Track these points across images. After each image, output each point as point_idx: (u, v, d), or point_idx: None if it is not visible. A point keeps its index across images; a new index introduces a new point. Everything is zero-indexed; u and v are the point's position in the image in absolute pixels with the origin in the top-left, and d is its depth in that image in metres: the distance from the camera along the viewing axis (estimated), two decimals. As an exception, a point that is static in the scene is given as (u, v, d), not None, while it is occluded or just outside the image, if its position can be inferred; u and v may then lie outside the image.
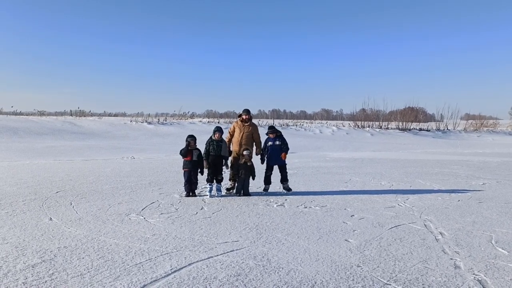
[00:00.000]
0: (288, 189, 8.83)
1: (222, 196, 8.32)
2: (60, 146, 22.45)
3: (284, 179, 8.96)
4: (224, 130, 8.71)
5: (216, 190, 8.40)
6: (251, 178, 8.66)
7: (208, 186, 8.36)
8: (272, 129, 9.12)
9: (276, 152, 8.92)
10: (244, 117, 8.96)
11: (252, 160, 8.70)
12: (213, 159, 8.29)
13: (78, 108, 46.04)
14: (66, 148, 21.35)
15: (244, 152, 8.54)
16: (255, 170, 8.76)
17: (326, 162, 16.09)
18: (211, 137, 8.40)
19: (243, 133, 8.82)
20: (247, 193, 8.51)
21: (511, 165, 15.24)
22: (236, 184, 8.65)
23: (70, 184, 9.39)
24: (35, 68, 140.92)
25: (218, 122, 41.83)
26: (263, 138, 9.18)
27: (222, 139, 8.48)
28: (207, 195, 8.21)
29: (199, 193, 8.46)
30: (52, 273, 3.91)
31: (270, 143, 8.97)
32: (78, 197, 7.93)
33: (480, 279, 3.94)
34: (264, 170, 9.09)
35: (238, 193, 8.53)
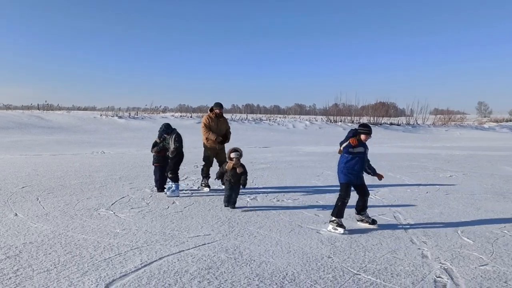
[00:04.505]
0: (373, 222, 5.70)
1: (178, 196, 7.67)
2: (27, 141, 21.78)
3: (365, 206, 5.72)
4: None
5: (176, 188, 7.75)
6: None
7: (173, 185, 7.70)
8: (367, 128, 5.61)
9: (363, 163, 5.61)
10: (217, 111, 8.53)
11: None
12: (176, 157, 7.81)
13: (46, 101, 44.65)
14: (33, 143, 20.73)
15: (232, 155, 6.70)
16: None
17: (299, 156, 16.20)
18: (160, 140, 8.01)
19: (220, 130, 8.48)
20: (233, 205, 6.69)
21: (477, 158, 15.72)
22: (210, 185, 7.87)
23: (37, 179, 9.12)
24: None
25: (191, 117, 41.58)
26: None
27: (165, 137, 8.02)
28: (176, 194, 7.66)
29: (171, 188, 8.33)
30: (17, 269, 3.79)
31: (359, 149, 5.53)
32: (45, 192, 7.71)
33: (446, 267, 4.05)
34: (338, 195, 5.55)
35: (226, 204, 6.76)
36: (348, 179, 5.49)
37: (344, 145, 5.48)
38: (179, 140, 7.80)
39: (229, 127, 8.81)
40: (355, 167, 5.48)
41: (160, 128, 7.96)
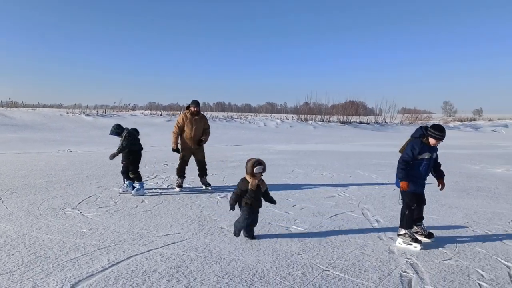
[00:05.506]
0: (430, 235, 4.94)
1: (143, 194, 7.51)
2: (-11, 139, 21.00)
3: (421, 216, 4.99)
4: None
5: (141, 187, 7.57)
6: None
7: (138, 183, 7.53)
8: (441, 133, 4.73)
9: (427, 170, 4.93)
10: (193, 109, 8.28)
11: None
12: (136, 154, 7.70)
13: (10, 99, 43.16)
14: (-4, 141, 20.00)
15: (256, 169, 4.95)
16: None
17: (270, 154, 16.25)
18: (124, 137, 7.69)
19: (195, 127, 8.22)
20: (251, 235, 4.91)
21: (442, 156, 16.17)
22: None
23: (0, 179, 8.82)
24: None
25: (161, 115, 41.16)
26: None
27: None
28: (144, 192, 7.52)
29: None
30: (-23, 272, 3.65)
31: (424, 155, 4.84)
32: (8, 191, 7.45)
33: (411, 262, 4.16)
34: (403, 202, 4.88)
35: (247, 234, 4.94)
36: (411, 188, 4.74)
37: (399, 174, 4.78)
38: (128, 138, 7.55)
39: (208, 126, 8.51)
40: (418, 174, 4.81)
41: (110, 130, 7.71)
